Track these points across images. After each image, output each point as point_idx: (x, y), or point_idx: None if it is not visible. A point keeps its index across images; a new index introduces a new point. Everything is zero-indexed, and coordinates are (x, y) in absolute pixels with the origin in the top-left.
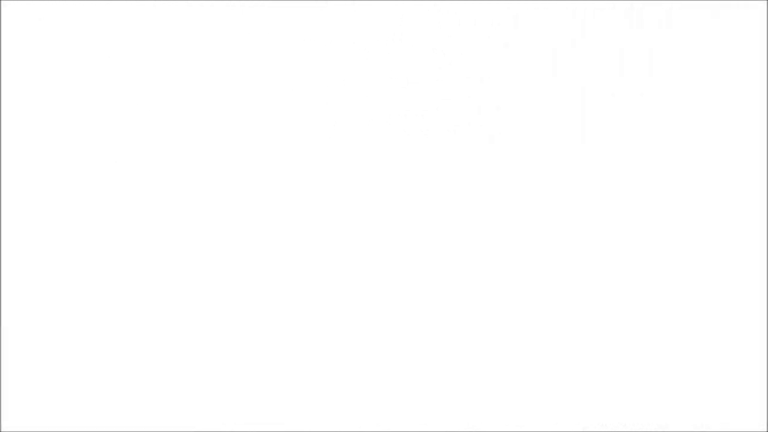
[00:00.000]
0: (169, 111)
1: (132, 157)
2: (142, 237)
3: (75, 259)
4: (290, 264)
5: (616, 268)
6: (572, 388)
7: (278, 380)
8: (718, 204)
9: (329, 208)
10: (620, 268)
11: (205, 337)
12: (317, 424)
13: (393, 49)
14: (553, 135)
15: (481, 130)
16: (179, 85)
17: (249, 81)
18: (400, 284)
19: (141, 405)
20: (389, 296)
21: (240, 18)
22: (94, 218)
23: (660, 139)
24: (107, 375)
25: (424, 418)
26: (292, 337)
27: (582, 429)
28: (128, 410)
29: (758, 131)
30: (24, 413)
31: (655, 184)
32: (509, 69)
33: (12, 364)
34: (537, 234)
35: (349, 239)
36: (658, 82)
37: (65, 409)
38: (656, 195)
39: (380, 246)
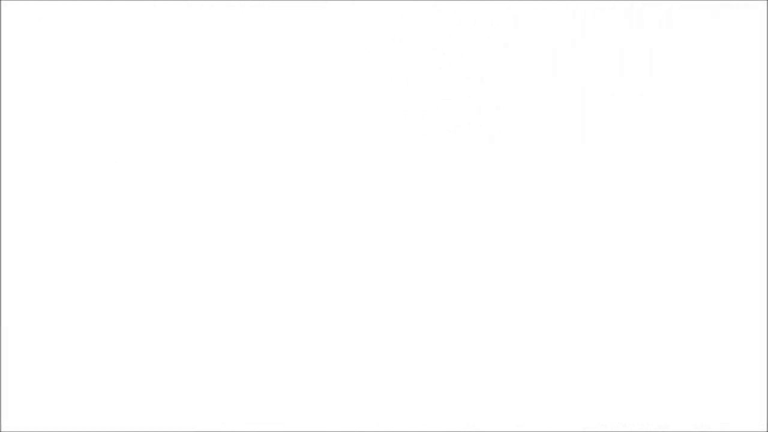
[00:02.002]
0: (169, 111)
1: (132, 157)
2: (142, 237)
3: (75, 260)
4: (290, 264)
5: (616, 268)
6: (572, 388)
7: (278, 380)
8: (718, 204)
9: (329, 207)
10: (620, 268)
11: (205, 337)
12: (317, 424)
13: (393, 49)
14: (553, 135)
15: (481, 130)
16: (179, 85)
17: (249, 81)
18: (400, 284)
19: (141, 405)
20: (389, 296)
21: (240, 18)
22: (94, 218)
23: (660, 139)
24: (107, 375)
25: (424, 418)
26: (292, 337)
27: (582, 429)
28: (128, 410)
29: (758, 131)
30: (24, 413)
31: (655, 184)
32: (509, 69)
33: (12, 364)
34: (537, 234)
35: (349, 239)
36: (658, 82)
37: (65, 409)
38: (656, 195)
39: (380, 246)
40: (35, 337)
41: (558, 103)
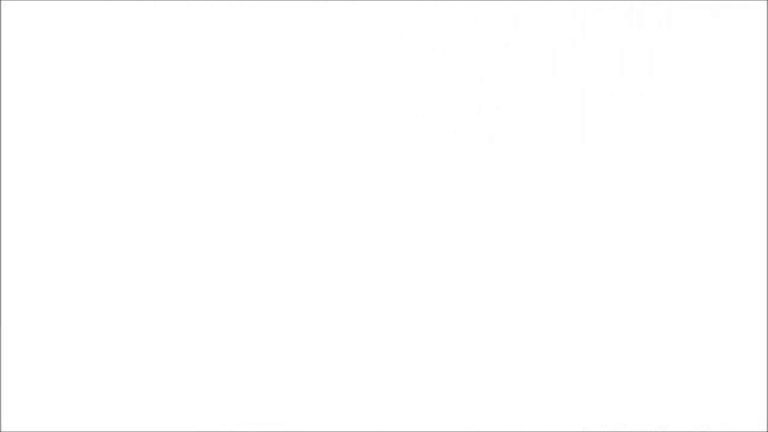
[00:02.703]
0: (169, 111)
1: (132, 157)
2: (142, 237)
3: (75, 260)
4: (290, 264)
5: (616, 268)
6: (572, 388)
7: (278, 380)
8: (718, 204)
9: (329, 207)
10: (620, 268)
11: (205, 337)
12: (317, 424)
13: (393, 49)
14: (553, 135)
15: (481, 130)
16: (179, 85)
17: (249, 81)
18: (400, 284)
19: (141, 405)
20: (389, 296)
21: (240, 18)
22: (94, 218)
23: (660, 139)
24: (107, 375)
25: (424, 418)
26: (292, 337)
27: (582, 429)
28: (128, 410)
29: (758, 131)
30: (24, 413)
31: (655, 184)
32: (509, 69)
33: (12, 364)
34: (537, 234)
35: (349, 239)
36: (658, 82)
37: (65, 409)
38: (656, 195)
39: (380, 246)
40: (35, 337)
41: (558, 103)
